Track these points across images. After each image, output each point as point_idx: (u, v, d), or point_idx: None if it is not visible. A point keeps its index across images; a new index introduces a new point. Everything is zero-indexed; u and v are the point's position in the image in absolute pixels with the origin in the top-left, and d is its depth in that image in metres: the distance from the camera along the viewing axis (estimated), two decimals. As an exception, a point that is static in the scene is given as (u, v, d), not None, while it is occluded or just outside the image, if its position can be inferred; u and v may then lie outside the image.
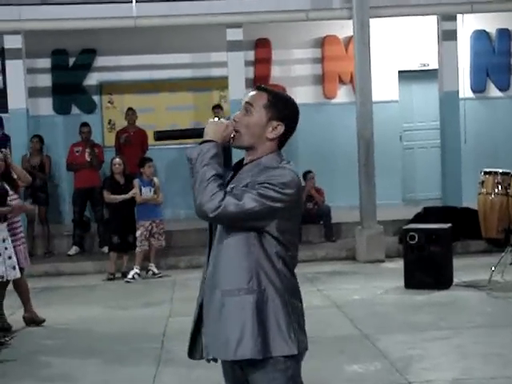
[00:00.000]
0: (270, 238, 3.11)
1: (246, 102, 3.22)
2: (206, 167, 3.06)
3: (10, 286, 8.17)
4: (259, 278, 3.10)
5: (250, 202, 3.03)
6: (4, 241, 7.54)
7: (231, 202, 3.02)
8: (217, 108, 13.28)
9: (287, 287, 3.14)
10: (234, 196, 3.04)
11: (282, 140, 3.24)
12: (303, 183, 12.48)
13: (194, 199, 3.08)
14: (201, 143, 3.13)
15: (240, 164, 3.26)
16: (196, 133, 3.26)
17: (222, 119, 3.23)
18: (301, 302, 3.25)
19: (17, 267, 7.70)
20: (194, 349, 3.31)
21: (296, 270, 3.28)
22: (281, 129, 3.19)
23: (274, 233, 3.11)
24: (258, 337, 3.06)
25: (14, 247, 7.93)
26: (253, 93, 3.25)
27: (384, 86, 13.97)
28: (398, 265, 10.03)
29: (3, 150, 8.91)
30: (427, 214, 12.13)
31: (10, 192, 7.96)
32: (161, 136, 3.42)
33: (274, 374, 3.10)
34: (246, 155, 3.26)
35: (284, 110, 3.21)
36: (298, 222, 3.24)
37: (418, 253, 9.37)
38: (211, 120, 3.22)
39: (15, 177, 8.38)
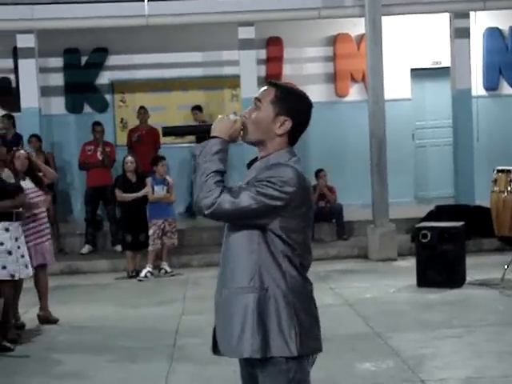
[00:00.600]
0: (274, 236, 3.06)
1: (255, 98, 3.21)
2: (208, 163, 3.05)
3: (27, 284, 8.21)
4: (262, 277, 3.07)
5: (246, 199, 2.99)
6: (17, 239, 7.56)
7: (226, 200, 2.98)
8: (195, 109, 13.29)
9: (293, 288, 3.08)
10: (230, 193, 3.00)
11: (293, 136, 3.19)
12: (314, 182, 12.50)
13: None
14: (207, 139, 3.12)
15: (255, 161, 3.25)
16: (204, 129, 3.24)
17: (231, 115, 3.20)
18: (310, 303, 3.19)
19: (29, 266, 7.73)
20: (217, 345, 3.28)
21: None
22: (288, 124, 3.15)
23: (278, 231, 3.06)
24: (258, 336, 3.04)
25: (40, 243, 8.08)
26: (263, 88, 3.23)
27: (396, 84, 13.93)
28: (411, 263, 10.01)
29: (26, 148, 9.05)
30: (440, 212, 12.10)
31: (32, 189, 8.09)
32: (168, 131, 3.42)
33: (275, 374, 3.07)
34: (258, 152, 3.24)
35: (292, 105, 3.16)
36: (307, 222, 3.16)
37: (430, 251, 9.35)
38: (220, 116, 3.19)
39: (40, 174, 8.47)
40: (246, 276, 3.09)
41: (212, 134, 3.13)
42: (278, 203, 3.01)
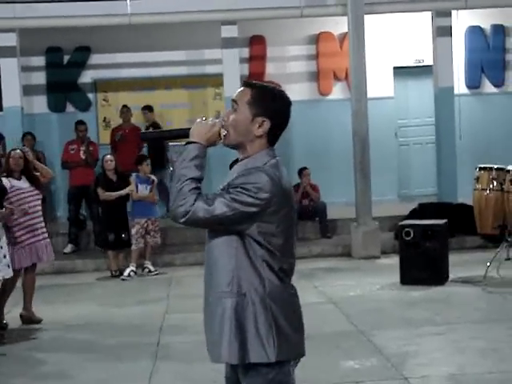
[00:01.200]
0: (252, 241, 3.04)
1: (232, 100, 3.17)
2: (184, 170, 3.02)
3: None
4: (240, 282, 3.05)
5: (220, 207, 2.97)
6: (-1, 240, 7.53)
7: (201, 207, 2.97)
8: (144, 109, 13.28)
9: (271, 293, 3.06)
10: (205, 201, 2.98)
11: (272, 136, 3.16)
12: (298, 180, 12.52)
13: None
14: (185, 144, 3.09)
15: (236, 162, 3.22)
16: (182, 133, 3.22)
17: (210, 118, 3.17)
18: (291, 308, 3.15)
19: (11, 266, 7.68)
20: None
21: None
22: (267, 125, 3.11)
23: (256, 236, 3.03)
24: (235, 342, 3.03)
25: (34, 242, 8.08)
26: (239, 89, 3.19)
27: (379, 83, 13.96)
28: (394, 261, 10.06)
29: (23, 147, 9.04)
30: (423, 210, 12.15)
31: (27, 188, 8.11)
32: (146, 137, 3.40)
33: (255, 379, 3.07)
34: (238, 154, 3.21)
35: (269, 105, 3.12)
36: (287, 225, 3.12)
37: (413, 249, 9.39)
38: (198, 120, 3.16)
39: (37, 173, 8.46)
40: (224, 281, 3.08)
41: (190, 139, 3.10)
42: (253, 209, 2.99)
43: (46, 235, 8.42)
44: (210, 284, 3.16)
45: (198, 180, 3.04)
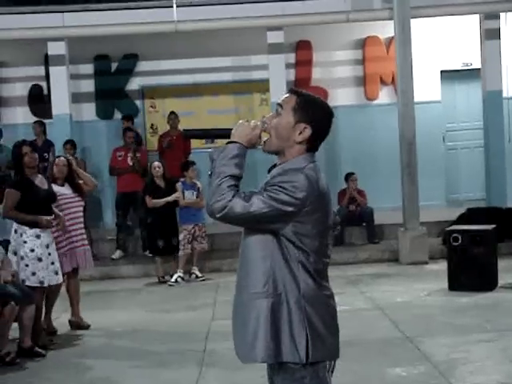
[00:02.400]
0: (287, 242, 3.07)
1: (278, 103, 3.22)
2: (224, 167, 3.06)
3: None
4: (275, 283, 3.08)
5: (257, 203, 3.00)
6: (48, 246, 7.63)
7: (238, 203, 2.99)
8: (125, 119, 13.30)
9: (305, 293, 3.08)
10: (242, 197, 3.01)
11: (312, 144, 3.20)
12: (344, 185, 12.49)
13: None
14: (226, 143, 3.13)
15: (275, 167, 3.25)
16: (224, 133, 3.25)
17: (252, 121, 3.20)
18: (325, 309, 3.16)
19: (60, 272, 7.79)
20: None
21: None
22: (308, 132, 3.16)
23: (291, 237, 3.06)
24: (271, 341, 3.05)
25: (74, 248, 8.20)
26: (285, 95, 3.24)
27: (426, 87, 13.84)
28: (442, 266, 9.94)
29: (66, 155, 9.20)
30: (471, 215, 12.01)
31: (69, 195, 8.26)
32: (188, 134, 3.44)
33: (288, 380, 3.09)
34: (277, 159, 3.25)
35: (312, 113, 3.17)
36: (323, 228, 3.14)
37: (461, 254, 9.28)
38: (240, 121, 3.20)
39: (80, 181, 8.59)
40: (260, 281, 3.10)
41: (231, 139, 3.14)
42: (289, 209, 3.02)
43: (86, 242, 8.53)
44: (244, 285, 3.18)
45: (237, 178, 3.07)
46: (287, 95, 3.23)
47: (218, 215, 3.02)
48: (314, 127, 3.17)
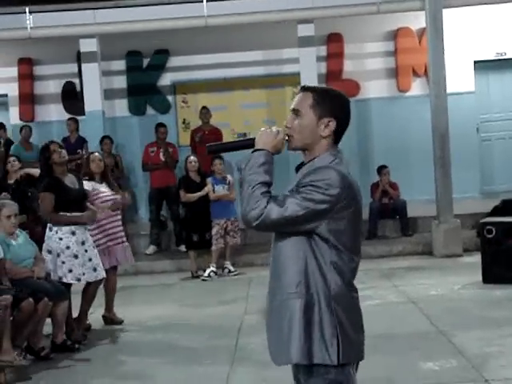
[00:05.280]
0: (321, 241, 3.05)
1: (292, 109, 3.19)
2: (254, 175, 3.04)
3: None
4: (308, 284, 3.06)
5: (292, 207, 2.98)
6: (83, 243, 7.62)
7: (273, 209, 2.97)
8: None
9: (336, 295, 3.06)
10: (277, 202, 2.99)
11: (337, 135, 3.19)
12: (377, 178, 12.43)
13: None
14: (252, 152, 3.12)
15: (302, 165, 3.24)
16: (247, 143, 3.24)
17: (274, 127, 3.19)
18: (354, 311, 3.16)
19: (98, 269, 7.78)
20: None
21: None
22: (333, 124, 3.15)
23: (325, 234, 3.04)
24: (305, 342, 3.04)
25: (112, 246, 8.25)
26: (298, 96, 3.22)
27: (459, 77, 13.71)
28: (476, 259, 9.85)
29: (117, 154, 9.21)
30: (506, 207, 11.88)
31: (107, 192, 8.27)
32: (212, 150, 3.43)
33: (316, 381, 3.07)
34: (304, 156, 3.24)
35: (331, 104, 3.16)
36: (356, 222, 3.13)
37: (496, 246, 9.19)
38: (262, 129, 3.19)
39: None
40: (293, 282, 3.08)
41: (256, 147, 3.13)
42: (325, 206, 3.00)
43: (125, 239, 8.55)
44: (277, 286, 3.16)
45: (269, 184, 3.06)
46: (300, 95, 3.21)
47: (254, 223, 3.00)
48: (337, 118, 3.16)
